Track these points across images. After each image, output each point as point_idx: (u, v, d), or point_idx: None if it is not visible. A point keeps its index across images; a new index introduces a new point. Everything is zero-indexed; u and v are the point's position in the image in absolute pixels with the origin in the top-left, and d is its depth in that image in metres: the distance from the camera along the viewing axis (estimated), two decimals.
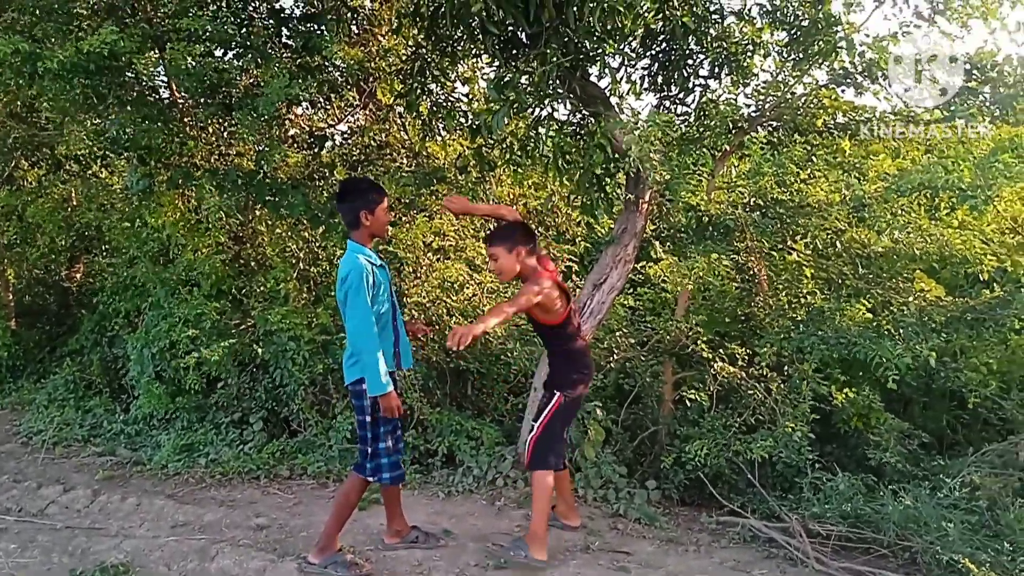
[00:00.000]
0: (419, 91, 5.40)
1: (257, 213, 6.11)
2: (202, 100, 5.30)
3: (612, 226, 5.13)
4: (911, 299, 4.68)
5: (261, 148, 5.46)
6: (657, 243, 5.67)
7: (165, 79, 5.74)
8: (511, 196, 6.61)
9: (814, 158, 5.12)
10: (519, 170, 5.53)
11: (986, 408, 4.65)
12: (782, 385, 4.76)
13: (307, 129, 6.32)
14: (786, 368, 4.75)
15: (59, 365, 7.02)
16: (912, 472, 4.36)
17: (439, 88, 5.69)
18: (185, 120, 5.76)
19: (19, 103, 6.80)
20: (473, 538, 4.17)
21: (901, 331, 4.43)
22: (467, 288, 5.86)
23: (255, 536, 4.21)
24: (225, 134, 6.19)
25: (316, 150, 6.13)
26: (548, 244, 6.67)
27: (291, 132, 6.36)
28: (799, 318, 4.87)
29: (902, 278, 4.86)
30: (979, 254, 4.46)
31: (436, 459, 5.09)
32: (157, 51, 5.22)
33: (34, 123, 6.94)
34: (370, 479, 3.71)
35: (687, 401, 5.10)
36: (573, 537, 4.15)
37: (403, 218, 5.92)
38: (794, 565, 3.85)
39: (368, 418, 3.63)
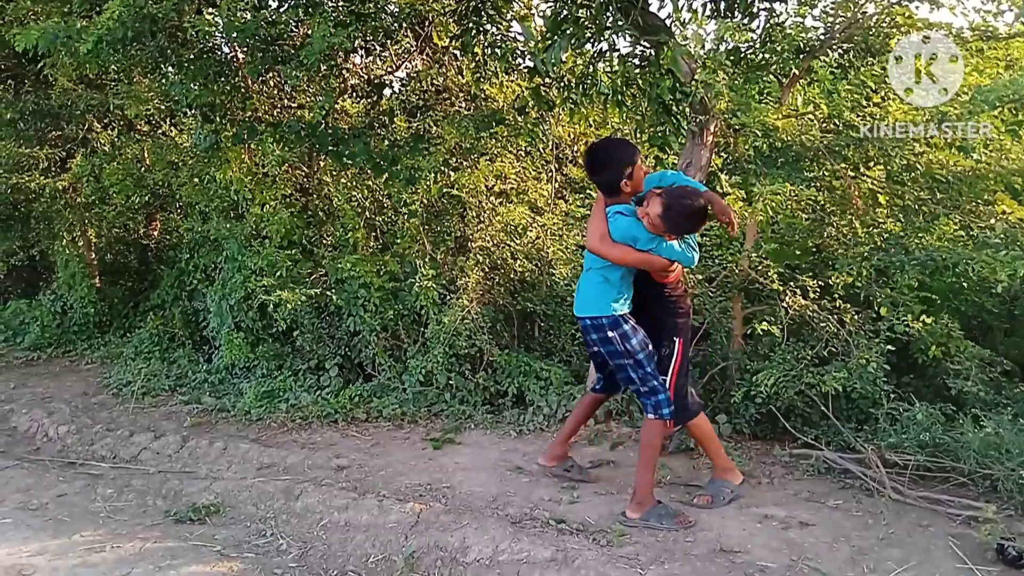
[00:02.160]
0: (474, 31, 5.34)
1: (321, 164, 6.19)
2: (259, 55, 5.34)
3: (676, 161, 5.03)
4: (993, 221, 4.48)
5: (318, 99, 5.51)
6: (723, 176, 5.55)
7: (224, 36, 5.82)
8: (571, 135, 6.54)
9: (888, 80, 4.89)
10: (579, 108, 5.45)
11: None
12: (856, 317, 4.64)
13: (366, 78, 6.34)
14: (861, 295, 4.61)
15: (143, 320, 7.33)
16: (994, 400, 4.23)
17: (495, 28, 5.62)
18: (246, 75, 5.84)
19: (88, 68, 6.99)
20: (546, 474, 4.25)
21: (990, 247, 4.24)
22: (530, 231, 5.86)
23: (336, 476, 4.38)
24: (287, 87, 6.26)
25: (375, 98, 6.14)
26: None
27: (352, 82, 6.40)
28: (875, 245, 4.72)
29: (983, 201, 4.65)
30: None
31: (507, 399, 5.17)
32: (211, 7, 5.27)
33: (104, 86, 7.12)
34: (651, 416, 3.72)
35: (758, 336, 5.03)
36: None
37: (464, 162, 5.92)
38: (870, 495, 3.82)
39: (627, 359, 3.69)
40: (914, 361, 4.73)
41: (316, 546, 3.75)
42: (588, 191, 6.54)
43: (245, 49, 5.75)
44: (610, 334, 3.67)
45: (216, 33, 5.47)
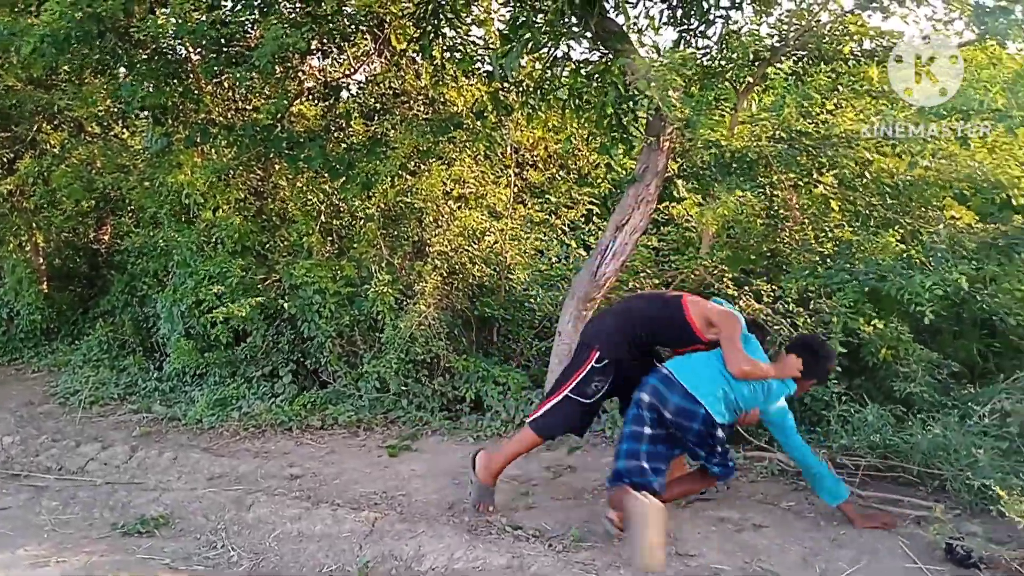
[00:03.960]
0: (433, 35, 5.32)
1: (276, 167, 6.11)
2: (212, 56, 5.26)
3: (634, 166, 5.05)
4: (941, 227, 4.57)
5: (273, 101, 5.45)
6: (680, 182, 5.59)
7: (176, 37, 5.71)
8: (530, 140, 6.54)
9: (840, 87, 4.98)
10: (537, 113, 5.45)
11: (1017, 335, 4.56)
12: (809, 320, 4.71)
13: (322, 80, 6.28)
14: (812, 303, 4.68)
15: (92, 326, 7.14)
16: (941, 401, 4.30)
17: (453, 31, 5.60)
18: (199, 77, 5.74)
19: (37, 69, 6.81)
20: (504, 479, 4.22)
21: (931, 260, 4.34)
22: (489, 235, 5.85)
23: (289, 485, 4.31)
24: (241, 89, 6.17)
25: (332, 101, 6.08)
26: (570, 187, 6.62)
27: (308, 84, 6.34)
28: (826, 252, 4.80)
29: (932, 206, 4.74)
30: (1014, 178, 4.34)
31: (464, 405, 5.14)
32: (163, 7, 5.18)
33: (54, 87, 6.95)
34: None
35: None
36: (600, 476, 4.19)
37: (422, 166, 5.88)
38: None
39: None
40: (865, 364, 4.81)
41: (268, 557, 3.69)
42: (547, 195, 6.56)
43: (198, 50, 5.66)
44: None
45: (168, 33, 5.38)
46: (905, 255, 4.53)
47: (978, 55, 5.20)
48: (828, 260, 4.70)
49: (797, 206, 4.84)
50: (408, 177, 5.73)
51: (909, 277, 4.25)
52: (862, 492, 3.83)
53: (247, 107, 6.26)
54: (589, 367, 3.71)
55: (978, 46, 4.70)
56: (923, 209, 4.80)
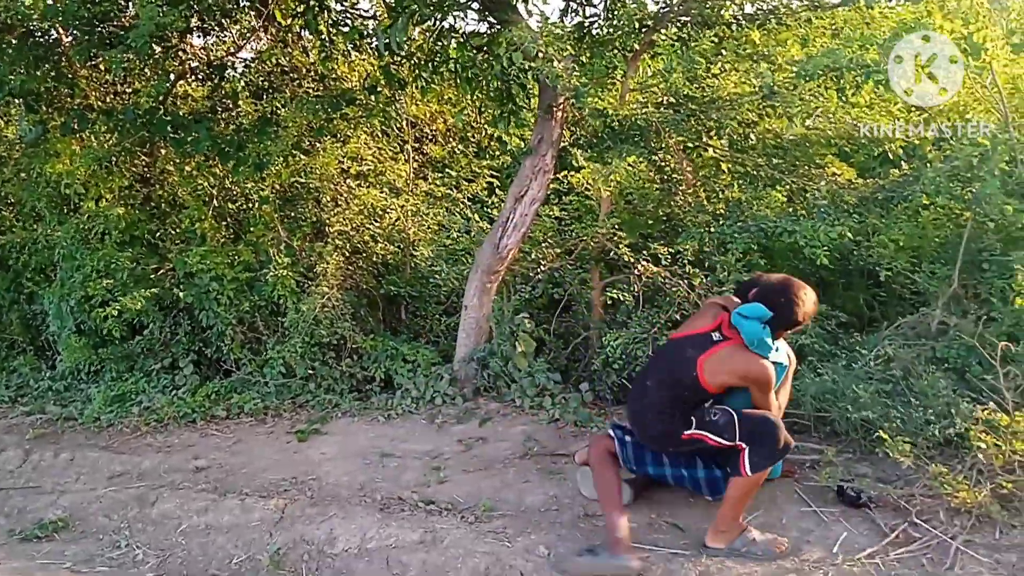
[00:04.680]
0: (317, 8, 5.18)
1: (163, 152, 5.88)
2: (85, 38, 4.99)
3: (530, 137, 5.07)
4: (823, 183, 4.76)
5: (154, 83, 5.22)
6: (577, 151, 5.64)
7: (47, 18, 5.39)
8: (428, 114, 6.48)
9: (724, 51, 5.09)
10: (430, 86, 5.40)
11: (899, 283, 4.80)
12: (705, 279, 4.85)
13: (206, 59, 6.04)
14: (706, 262, 4.83)
15: None
16: (831, 351, 4.51)
17: (338, 4, 5.47)
18: (72, 60, 5.44)
19: None
20: (416, 456, 4.23)
21: (815, 215, 4.53)
22: (390, 213, 5.78)
23: (195, 478, 4.20)
24: (120, 72, 5.88)
25: (217, 81, 5.87)
26: (470, 160, 6.60)
27: (191, 64, 6.09)
28: (718, 212, 4.93)
29: (815, 164, 4.93)
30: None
31: (374, 385, 5.10)
32: None
33: None
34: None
35: (616, 304, 5.18)
36: (512, 445, 4.25)
37: (317, 144, 5.75)
38: None
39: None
40: None
41: (176, 553, 3.60)
42: (448, 169, 6.53)
43: (70, 32, 5.36)
44: None
45: (36, 15, 5.06)
46: (791, 211, 4.70)
47: (854, 16, 5.41)
48: (720, 220, 4.84)
49: (688, 169, 4.95)
50: (302, 156, 5.60)
51: (798, 224, 4.42)
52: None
53: (127, 90, 5.97)
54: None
55: (852, 7, 4.89)
56: (807, 167, 4.99)
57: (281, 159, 5.41)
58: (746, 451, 3.14)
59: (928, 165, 4.42)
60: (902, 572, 2.93)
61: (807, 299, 3.28)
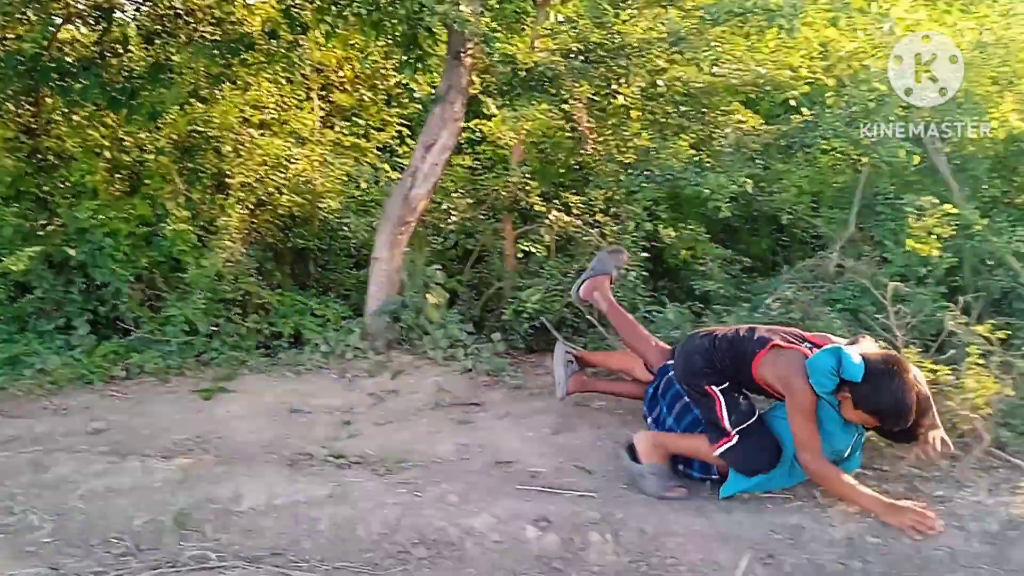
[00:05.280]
0: None
1: (49, 102, 5.53)
2: None
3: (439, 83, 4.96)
4: (729, 130, 4.83)
5: (37, 28, 4.88)
6: (489, 99, 5.56)
7: None
8: (333, 60, 6.26)
9: None
10: (334, 31, 5.20)
11: (800, 228, 4.95)
12: (615, 228, 4.89)
13: (93, 2, 5.67)
14: (612, 210, 4.86)
15: None
16: (736, 295, 4.63)
17: None
18: None
19: None
20: (326, 411, 4.17)
21: (720, 163, 4.60)
22: (295, 163, 5.60)
23: (93, 440, 4.03)
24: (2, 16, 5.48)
25: (106, 25, 5.52)
26: (380, 109, 6.44)
27: (78, 6, 5.70)
28: (627, 160, 4.95)
29: (721, 111, 4.99)
30: (789, 80, 4.62)
31: (282, 341, 4.98)
32: None
33: None
34: None
35: (529, 254, 5.19)
36: (424, 396, 4.23)
37: (217, 92, 5.50)
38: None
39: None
40: (667, 266, 5.08)
41: (73, 517, 3.45)
42: (356, 118, 6.35)
43: None
44: None
45: None
46: (697, 159, 4.76)
47: None
48: (629, 168, 4.86)
49: (587, 123, 4.94)
50: (200, 105, 5.35)
51: (704, 177, 4.48)
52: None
53: (8, 36, 5.58)
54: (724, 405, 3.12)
55: None
56: (714, 114, 5.04)
57: (177, 108, 5.16)
58: (733, 443, 3.05)
59: (827, 111, 4.51)
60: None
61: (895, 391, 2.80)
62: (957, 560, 2.76)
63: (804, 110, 4.75)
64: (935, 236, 3.98)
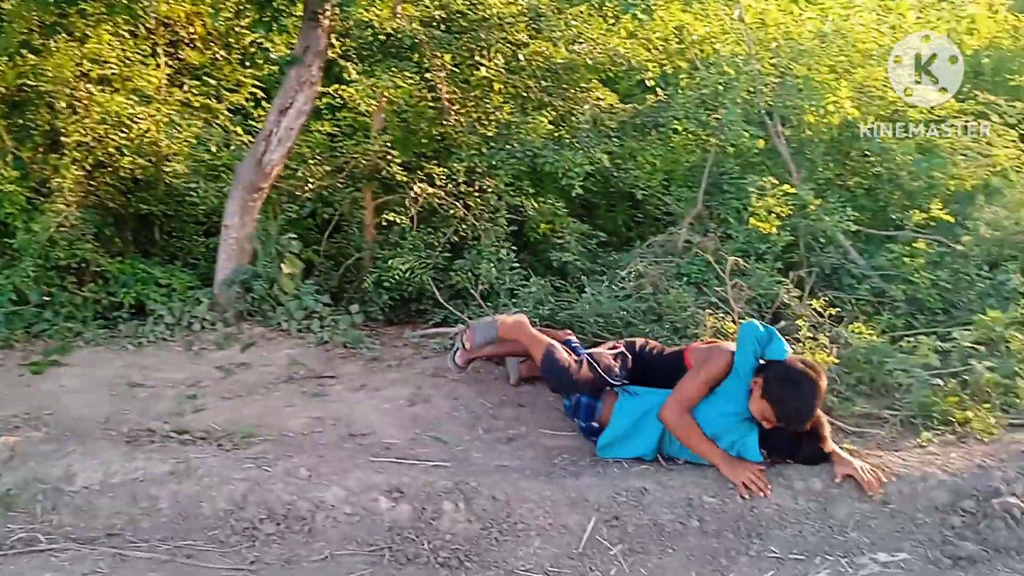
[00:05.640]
0: None
1: None
2: None
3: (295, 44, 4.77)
4: (587, 107, 4.92)
5: None
6: (349, 64, 5.41)
7: None
8: (182, 15, 5.89)
9: None
10: None
11: (653, 204, 5.13)
12: (479, 200, 4.89)
13: None
14: (477, 183, 4.86)
15: None
16: (592, 268, 4.75)
17: None
18: None
19: None
20: (170, 385, 3.98)
21: (577, 139, 4.68)
22: (139, 123, 5.25)
23: None
24: None
25: None
26: (234, 68, 6.12)
27: None
28: (489, 134, 4.96)
29: (580, 88, 5.07)
30: (644, 61, 4.75)
31: (123, 312, 4.69)
32: None
33: None
34: None
35: (391, 225, 5.11)
36: (276, 369, 4.11)
37: (53, 43, 5.05)
38: (499, 363, 4.06)
39: None
40: (528, 239, 5.15)
41: None
42: (207, 78, 6.02)
43: None
44: None
45: None
46: (556, 135, 4.83)
47: None
48: (490, 141, 4.87)
49: (448, 94, 4.91)
50: (31, 56, 4.91)
51: (561, 153, 4.56)
52: None
53: None
54: (619, 352, 3.42)
55: None
56: (574, 91, 5.12)
57: (5, 59, 4.72)
58: (565, 355, 3.38)
59: (680, 92, 4.68)
60: None
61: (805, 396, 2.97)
62: (785, 517, 2.97)
63: (659, 91, 4.90)
64: (775, 215, 4.23)
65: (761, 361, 3.10)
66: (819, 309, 3.85)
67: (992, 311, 3.82)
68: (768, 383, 3.00)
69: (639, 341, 3.53)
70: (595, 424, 3.34)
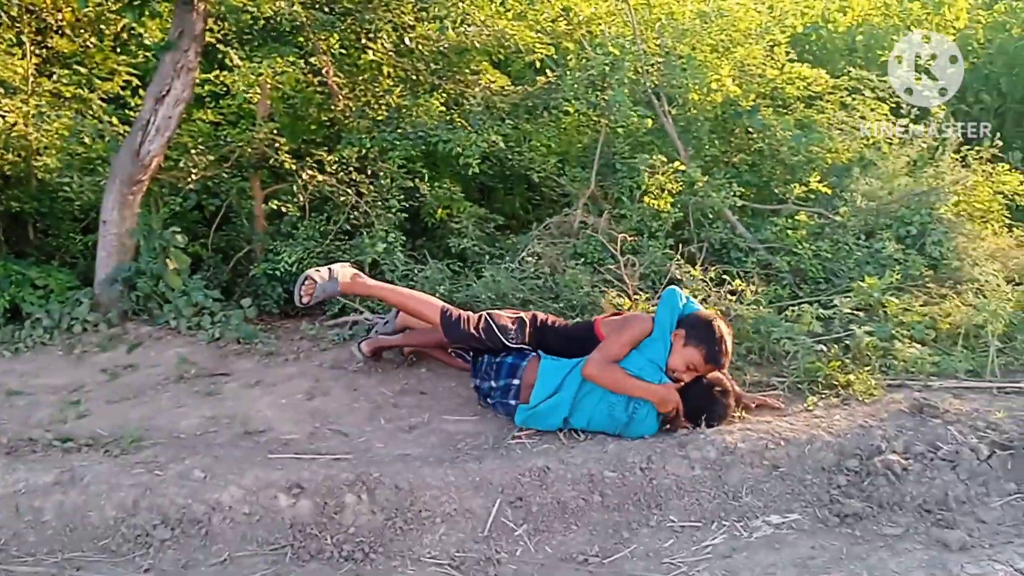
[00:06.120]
0: None
1: None
2: None
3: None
4: (478, 90, 4.90)
5: None
6: (230, 49, 5.21)
7: None
8: (49, 1, 5.54)
9: None
10: None
11: (548, 186, 5.16)
12: (372, 187, 4.81)
13: None
14: (369, 169, 4.78)
15: None
16: (490, 252, 4.75)
17: None
18: None
19: None
20: (50, 391, 3.77)
21: (470, 122, 4.66)
22: (6, 116, 4.93)
23: None
24: None
25: None
26: (105, 56, 5.81)
27: None
28: (380, 118, 4.88)
29: (471, 71, 5.04)
30: (532, 43, 4.76)
31: None
32: None
33: None
34: None
35: (282, 215, 4.97)
36: (165, 369, 3.95)
37: None
38: (397, 353, 4.03)
39: None
40: (425, 224, 5.10)
41: None
42: (79, 66, 5.69)
43: None
44: None
45: None
46: (449, 119, 4.79)
47: None
48: (381, 125, 4.79)
49: (334, 78, 4.81)
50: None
51: (455, 133, 4.53)
52: None
53: None
54: (518, 317, 3.52)
55: None
56: (465, 74, 5.09)
57: None
58: (464, 319, 3.47)
59: (569, 73, 4.71)
60: None
61: (723, 334, 3.27)
62: (683, 486, 3.05)
63: (549, 72, 4.92)
64: (667, 192, 4.33)
65: None
66: (707, 281, 3.97)
67: (870, 278, 4.04)
68: (689, 329, 3.23)
69: (540, 315, 3.60)
70: (516, 382, 3.36)
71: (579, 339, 3.38)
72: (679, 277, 3.92)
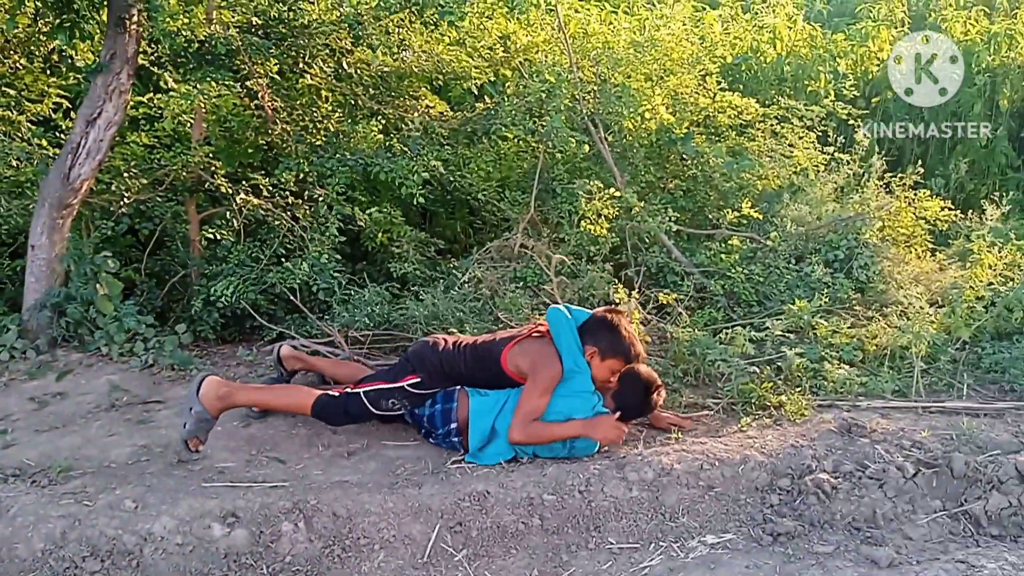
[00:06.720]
0: None
1: None
2: None
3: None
4: (417, 115, 4.93)
5: None
6: (164, 72, 5.14)
7: None
8: None
9: None
10: None
11: (488, 211, 5.20)
12: (308, 211, 4.78)
13: None
14: (307, 193, 4.76)
15: None
16: (431, 276, 4.76)
17: None
18: None
19: None
20: None
21: (410, 147, 4.68)
22: None
23: None
24: None
25: None
26: (35, 78, 5.67)
27: None
28: (318, 142, 4.87)
29: (410, 96, 5.07)
30: (470, 69, 4.82)
31: None
32: None
33: None
34: None
35: (217, 239, 4.90)
36: (96, 397, 3.85)
37: None
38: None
39: None
40: (365, 249, 5.09)
41: None
42: (6, 87, 5.53)
43: None
44: None
45: None
46: (387, 144, 4.80)
47: None
48: (319, 150, 4.78)
49: (270, 102, 4.79)
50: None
51: (395, 162, 4.54)
52: (370, 362, 4.10)
53: None
54: (399, 386, 3.41)
55: None
56: (403, 99, 5.11)
57: None
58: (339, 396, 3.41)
59: (507, 100, 4.78)
60: None
61: (627, 328, 3.39)
62: (621, 508, 3.09)
63: (487, 99, 4.98)
64: (604, 217, 4.41)
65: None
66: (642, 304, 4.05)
67: (800, 301, 4.17)
68: (597, 344, 3.31)
69: (441, 340, 3.52)
70: (454, 425, 3.36)
71: (486, 362, 3.38)
72: (616, 301, 3.98)
